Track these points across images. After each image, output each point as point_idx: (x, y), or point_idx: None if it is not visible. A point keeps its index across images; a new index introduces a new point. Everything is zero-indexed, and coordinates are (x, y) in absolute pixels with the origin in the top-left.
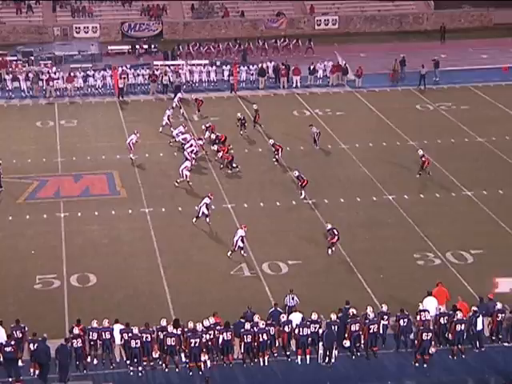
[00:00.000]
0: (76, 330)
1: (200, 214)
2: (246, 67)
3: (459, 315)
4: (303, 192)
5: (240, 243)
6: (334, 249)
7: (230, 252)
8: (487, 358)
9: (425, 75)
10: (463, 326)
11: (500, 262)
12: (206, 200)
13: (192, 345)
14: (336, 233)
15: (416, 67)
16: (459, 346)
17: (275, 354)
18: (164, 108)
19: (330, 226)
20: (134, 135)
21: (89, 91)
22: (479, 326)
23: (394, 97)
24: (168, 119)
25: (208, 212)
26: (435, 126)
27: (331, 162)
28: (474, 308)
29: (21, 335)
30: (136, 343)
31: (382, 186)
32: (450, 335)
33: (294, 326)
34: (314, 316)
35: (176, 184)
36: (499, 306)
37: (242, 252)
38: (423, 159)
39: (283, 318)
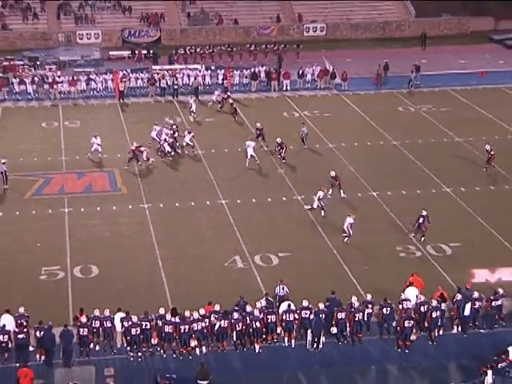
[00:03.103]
0: (84, 319)
1: (315, 206)
2: (239, 71)
3: (434, 303)
4: (342, 192)
5: (350, 230)
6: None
7: (346, 238)
8: (464, 343)
9: (414, 79)
10: (438, 312)
11: (477, 254)
12: (320, 193)
13: (182, 331)
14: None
15: (399, 72)
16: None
17: (269, 341)
18: (162, 109)
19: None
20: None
21: (91, 94)
22: (467, 312)
23: (378, 99)
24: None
25: (322, 204)
26: (416, 127)
27: (319, 160)
28: (459, 296)
29: (25, 323)
30: (136, 331)
31: (367, 182)
32: (426, 322)
33: (281, 312)
34: (305, 303)
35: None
36: (476, 294)
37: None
38: (492, 153)
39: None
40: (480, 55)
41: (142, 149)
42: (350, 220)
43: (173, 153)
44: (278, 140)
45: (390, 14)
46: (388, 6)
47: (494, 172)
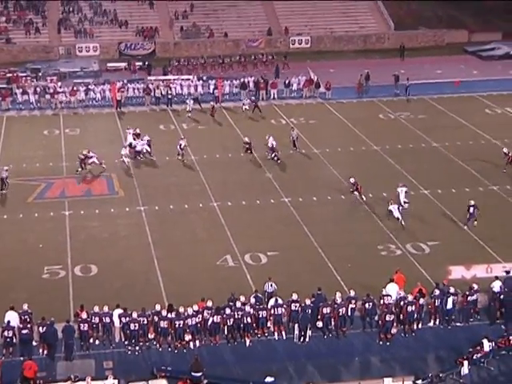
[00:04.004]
0: (84, 315)
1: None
2: (229, 81)
3: (410, 298)
4: (363, 197)
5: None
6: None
7: (402, 221)
8: (442, 336)
9: (408, 87)
10: (413, 307)
11: (453, 252)
12: (402, 188)
13: (176, 326)
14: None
15: (379, 81)
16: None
17: (259, 335)
18: (156, 118)
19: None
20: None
21: (90, 103)
22: (449, 305)
23: (360, 107)
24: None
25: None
26: (396, 133)
27: (305, 164)
28: (437, 291)
29: (28, 319)
30: (135, 326)
31: (350, 185)
32: (401, 316)
33: (270, 307)
34: (295, 296)
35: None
36: (452, 290)
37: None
38: (509, 155)
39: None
40: (455, 66)
41: (90, 155)
42: (394, 206)
43: (147, 154)
44: (270, 144)
45: (370, 28)
46: (368, 20)
47: (469, 175)
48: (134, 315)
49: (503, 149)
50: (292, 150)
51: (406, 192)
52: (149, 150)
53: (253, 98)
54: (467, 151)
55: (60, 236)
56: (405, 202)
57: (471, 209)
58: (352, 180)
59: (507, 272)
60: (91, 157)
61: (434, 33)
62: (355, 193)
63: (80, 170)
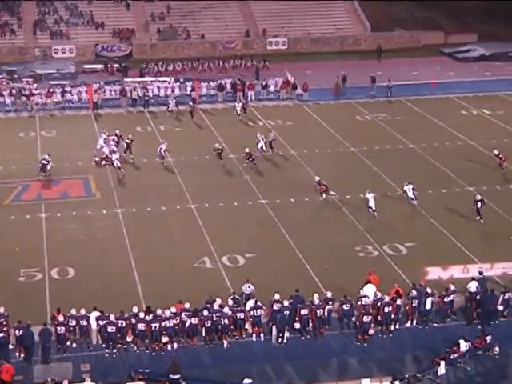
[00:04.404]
0: (61, 318)
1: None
2: (206, 83)
3: (386, 299)
4: (324, 195)
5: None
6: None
7: (375, 212)
8: (419, 337)
9: (391, 88)
10: (390, 308)
11: (430, 253)
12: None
13: (153, 328)
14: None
15: (356, 83)
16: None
17: (237, 337)
18: (133, 119)
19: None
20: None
21: (66, 105)
22: (428, 306)
23: (337, 109)
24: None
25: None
26: (373, 135)
27: (282, 166)
28: (414, 292)
29: (5, 322)
30: (112, 329)
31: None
32: (379, 316)
33: (249, 308)
34: (277, 296)
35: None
36: (429, 291)
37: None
38: (500, 156)
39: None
40: (431, 67)
41: (46, 161)
42: (371, 195)
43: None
44: (247, 150)
45: (347, 29)
46: (345, 22)
47: (446, 176)
48: (112, 318)
49: (494, 150)
50: (270, 151)
51: (413, 189)
52: (119, 165)
53: (244, 101)
54: (444, 152)
55: (36, 238)
56: (412, 199)
57: (479, 204)
58: (317, 178)
59: (480, 273)
60: (49, 162)
61: (410, 34)
62: (323, 194)
63: (44, 174)
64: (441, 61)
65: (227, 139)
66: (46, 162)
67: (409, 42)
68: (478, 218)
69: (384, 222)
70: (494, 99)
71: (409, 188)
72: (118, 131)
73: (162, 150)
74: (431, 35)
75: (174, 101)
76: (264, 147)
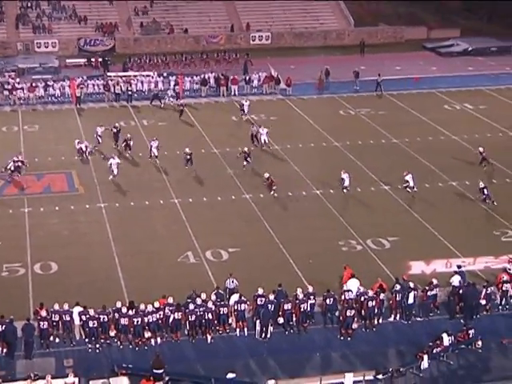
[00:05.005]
0: (44, 313)
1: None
2: (189, 78)
3: (370, 293)
4: (275, 194)
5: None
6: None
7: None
8: (402, 331)
9: (381, 82)
10: (374, 302)
11: (413, 247)
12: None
13: (135, 323)
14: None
15: (340, 77)
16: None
17: (220, 332)
18: (116, 114)
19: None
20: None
21: (49, 100)
22: (410, 300)
23: (320, 103)
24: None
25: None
26: (356, 129)
27: (266, 160)
28: (398, 286)
29: None
30: (93, 323)
31: (311, 181)
32: (362, 311)
33: (232, 303)
34: (261, 291)
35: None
36: (412, 285)
37: None
38: (483, 155)
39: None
40: (414, 62)
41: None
42: (346, 175)
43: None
44: (245, 149)
45: (330, 24)
46: (329, 16)
47: (429, 171)
48: (92, 312)
49: (479, 147)
50: (258, 145)
51: (412, 178)
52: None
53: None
54: (427, 147)
55: (19, 233)
56: (412, 188)
57: (485, 190)
58: (266, 175)
59: (459, 267)
60: (23, 162)
61: (393, 29)
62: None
63: (19, 175)
64: (424, 56)
65: (212, 134)
66: (20, 164)
67: (392, 36)
68: (489, 201)
69: (367, 217)
70: (476, 94)
71: (410, 177)
72: (117, 124)
73: (153, 148)
74: (414, 30)
75: (172, 92)
76: (266, 140)
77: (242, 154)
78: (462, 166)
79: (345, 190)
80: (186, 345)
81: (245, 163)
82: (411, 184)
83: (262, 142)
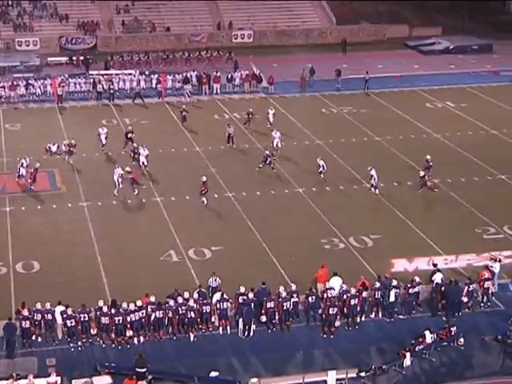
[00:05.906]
0: (26, 312)
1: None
2: (171, 76)
3: (352, 291)
4: (204, 200)
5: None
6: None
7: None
8: (384, 328)
9: (368, 80)
10: (356, 300)
11: (395, 245)
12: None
13: (116, 322)
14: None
15: (322, 76)
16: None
17: (203, 330)
18: (98, 112)
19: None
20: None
21: (30, 98)
22: (392, 298)
23: (303, 102)
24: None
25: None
26: (338, 127)
27: (248, 159)
28: (377, 284)
29: None
30: (71, 322)
31: (293, 180)
32: (345, 309)
33: (215, 301)
34: (242, 289)
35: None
36: (394, 282)
37: None
38: (430, 164)
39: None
40: (396, 60)
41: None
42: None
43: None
44: (267, 152)
45: (312, 22)
46: (311, 15)
47: (411, 169)
48: (69, 311)
49: (426, 156)
50: (234, 145)
51: (376, 173)
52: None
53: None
54: (409, 145)
55: (1, 232)
56: (375, 187)
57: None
58: (204, 179)
59: (435, 265)
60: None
61: (375, 28)
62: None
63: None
64: (406, 54)
65: (193, 133)
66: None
67: (374, 35)
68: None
69: (350, 215)
70: (458, 92)
71: (374, 173)
72: (130, 127)
73: (142, 156)
74: (396, 28)
75: (190, 86)
76: (279, 144)
77: (265, 157)
78: (443, 163)
79: (322, 176)
80: (168, 343)
81: (261, 165)
82: (376, 178)
83: (275, 145)
